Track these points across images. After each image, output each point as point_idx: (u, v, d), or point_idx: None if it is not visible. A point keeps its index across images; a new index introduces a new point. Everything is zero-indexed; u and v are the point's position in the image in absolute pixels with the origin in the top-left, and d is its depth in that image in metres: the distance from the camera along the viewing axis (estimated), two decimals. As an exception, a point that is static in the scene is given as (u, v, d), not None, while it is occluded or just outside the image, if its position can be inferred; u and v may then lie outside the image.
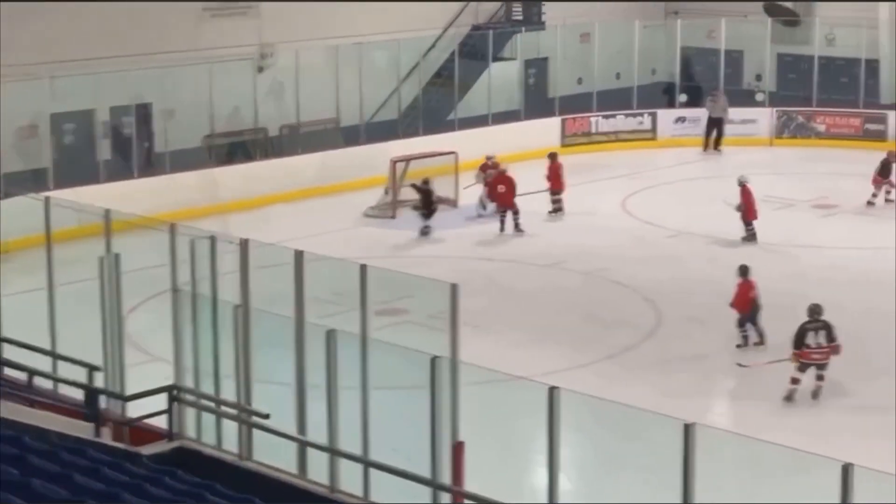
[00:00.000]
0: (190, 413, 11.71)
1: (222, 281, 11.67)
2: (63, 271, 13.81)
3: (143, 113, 28.37)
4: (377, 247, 24.67)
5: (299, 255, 11.21)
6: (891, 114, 33.71)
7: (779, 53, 36.42)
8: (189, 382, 11.86)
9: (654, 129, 34.72)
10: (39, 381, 12.71)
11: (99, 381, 12.05)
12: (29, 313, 13.58)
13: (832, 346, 16.94)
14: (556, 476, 9.61)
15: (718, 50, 35.40)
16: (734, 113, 34.06)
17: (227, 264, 11.70)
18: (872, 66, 34.90)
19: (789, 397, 16.92)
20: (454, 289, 10.43)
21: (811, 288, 20.09)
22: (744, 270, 19.29)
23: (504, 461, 14.50)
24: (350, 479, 10.72)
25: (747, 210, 24.72)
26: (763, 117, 34.71)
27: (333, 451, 10.78)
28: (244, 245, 11.50)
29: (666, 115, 34.86)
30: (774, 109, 34.77)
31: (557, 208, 27.28)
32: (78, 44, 26.97)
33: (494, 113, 32.90)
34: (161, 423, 11.64)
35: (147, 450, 11.05)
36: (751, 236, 24.72)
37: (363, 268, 11.02)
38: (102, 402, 11.83)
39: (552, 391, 9.44)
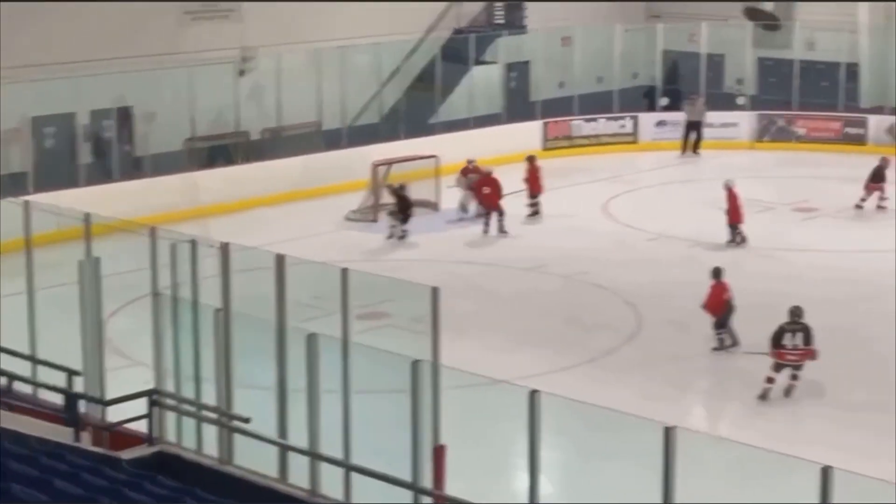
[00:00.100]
0: (170, 417, 11.69)
1: (203, 285, 11.66)
2: (43, 275, 13.79)
3: (124, 116, 28.29)
4: (358, 250, 24.66)
5: (280, 259, 11.21)
6: (871, 118, 33.84)
7: (759, 57, 36.51)
8: (169, 387, 11.84)
9: (635, 133, 34.78)
10: (19, 386, 12.66)
11: (79, 385, 12.02)
12: (8, 318, 13.55)
13: (808, 350, 17.03)
14: (537, 479, 9.63)
15: (699, 54, 35.51)
16: (715, 117, 34.15)
17: (208, 268, 11.69)
18: (852, 69, 34.99)
19: (764, 396, 17.05)
20: (435, 292, 10.47)
21: (792, 290, 20.13)
22: (717, 272, 19.29)
23: (485, 464, 14.50)
24: (331, 482, 10.71)
25: (733, 213, 24.75)
26: (744, 121, 34.81)
27: (314, 455, 10.76)
28: (225, 249, 11.49)
29: (647, 119, 34.92)
30: (755, 113, 34.89)
31: (535, 212, 27.31)
32: (59, 47, 26.90)
33: (476, 116, 32.96)
34: (141, 427, 11.61)
35: (127, 454, 11.03)
36: (740, 240, 24.71)
37: (344, 271, 11.03)
38: (82, 406, 11.80)
39: (533, 394, 9.47)
